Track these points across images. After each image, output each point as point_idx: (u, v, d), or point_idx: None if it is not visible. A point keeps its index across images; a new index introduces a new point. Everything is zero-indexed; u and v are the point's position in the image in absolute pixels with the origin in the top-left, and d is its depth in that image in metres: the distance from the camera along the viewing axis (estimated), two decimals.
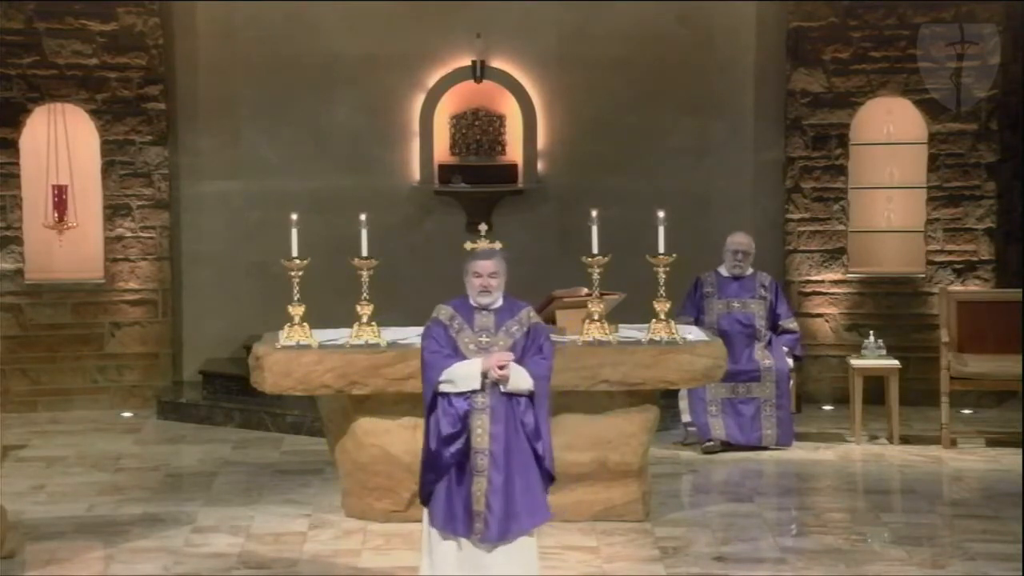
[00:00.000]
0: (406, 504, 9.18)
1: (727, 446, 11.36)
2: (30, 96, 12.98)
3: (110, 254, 13.22)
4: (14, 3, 12.85)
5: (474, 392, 7.34)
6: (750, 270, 11.68)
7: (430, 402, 7.40)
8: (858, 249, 13.37)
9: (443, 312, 7.52)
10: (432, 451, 7.40)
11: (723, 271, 11.69)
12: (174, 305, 13.48)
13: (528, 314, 7.56)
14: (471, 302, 7.51)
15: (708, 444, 11.35)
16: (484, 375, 7.33)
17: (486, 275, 7.46)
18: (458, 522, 7.37)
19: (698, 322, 11.31)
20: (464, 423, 7.34)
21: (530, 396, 7.39)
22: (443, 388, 7.36)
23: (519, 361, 7.40)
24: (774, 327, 11.62)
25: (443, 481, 7.40)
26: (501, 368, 7.30)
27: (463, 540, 7.40)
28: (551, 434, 7.53)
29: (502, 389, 7.35)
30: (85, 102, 13.10)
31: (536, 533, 7.51)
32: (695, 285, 11.67)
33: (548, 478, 7.50)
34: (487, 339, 7.43)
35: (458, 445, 7.35)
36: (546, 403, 7.46)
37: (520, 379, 7.36)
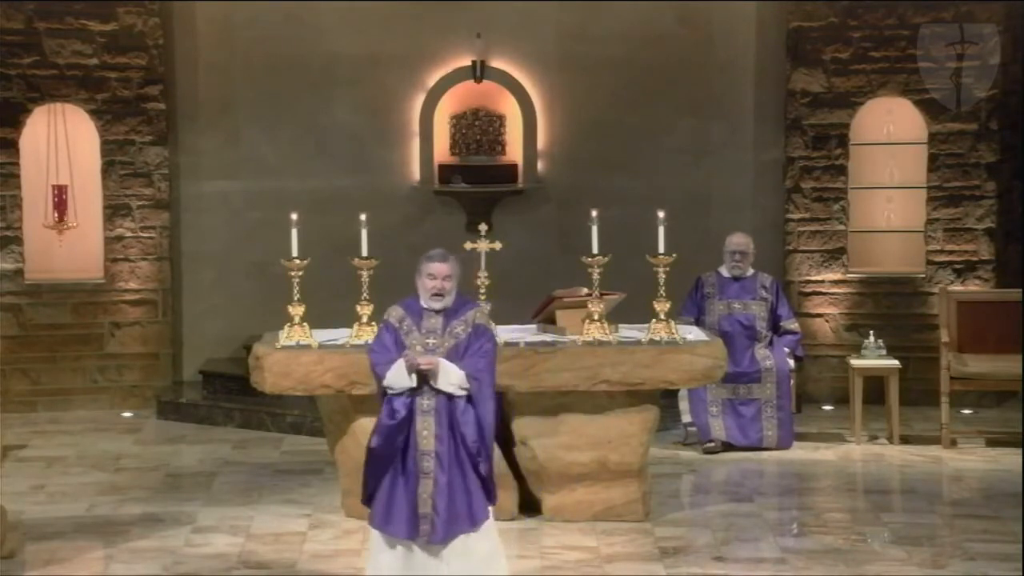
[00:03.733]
0: None
1: (727, 446, 11.36)
2: (30, 96, 12.98)
3: (110, 254, 13.22)
4: (14, 3, 12.85)
5: (418, 394, 7.43)
6: (751, 271, 11.67)
7: (381, 399, 7.55)
8: (858, 249, 13.37)
9: (393, 314, 7.64)
10: (371, 445, 7.51)
11: (724, 272, 11.68)
12: (174, 305, 13.48)
13: (474, 314, 7.59)
14: (422, 303, 7.57)
15: (709, 444, 11.34)
16: (418, 373, 7.42)
17: (440, 278, 7.51)
18: (401, 524, 7.45)
19: (699, 322, 11.31)
20: (402, 421, 7.42)
21: (469, 398, 7.44)
22: (387, 389, 7.50)
23: (459, 360, 7.46)
24: (775, 328, 11.62)
25: (384, 482, 7.48)
26: (427, 363, 7.39)
27: (407, 542, 7.46)
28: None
29: (432, 385, 7.42)
30: (85, 102, 13.10)
31: (489, 531, 7.55)
32: (696, 285, 11.66)
33: (488, 493, 7.53)
34: (434, 341, 7.51)
35: (400, 440, 7.43)
36: (488, 403, 7.47)
37: (448, 377, 7.41)
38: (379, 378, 7.53)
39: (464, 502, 7.45)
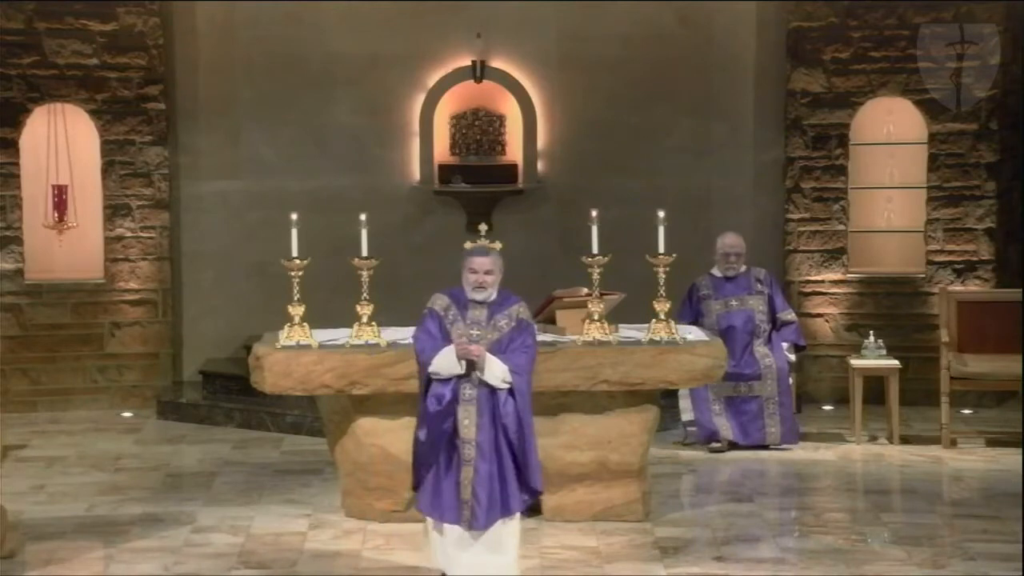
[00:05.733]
0: (406, 504, 9.17)
1: (733, 445, 11.35)
2: (30, 96, 12.98)
3: (110, 254, 13.22)
4: (14, 3, 12.85)
5: (461, 382, 7.65)
6: (743, 267, 11.68)
7: (425, 387, 7.74)
8: (858, 249, 13.37)
9: (439, 302, 7.85)
10: (419, 435, 7.70)
11: (716, 272, 11.68)
12: (174, 305, 13.48)
13: (518, 310, 7.81)
14: (467, 294, 7.77)
15: (715, 445, 11.33)
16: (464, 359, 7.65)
17: (482, 272, 7.76)
18: (445, 509, 7.71)
19: (697, 324, 11.28)
20: (448, 405, 7.65)
21: (511, 391, 7.67)
22: (432, 375, 7.71)
23: (503, 353, 7.68)
24: (772, 320, 11.60)
25: (432, 469, 7.72)
26: (477, 352, 7.62)
27: (452, 526, 7.73)
28: (537, 435, 7.79)
29: (478, 376, 7.64)
30: (85, 102, 13.10)
31: (518, 519, 7.87)
32: (690, 291, 11.63)
33: (524, 485, 7.77)
34: (478, 332, 7.72)
35: (447, 424, 7.66)
36: (527, 397, 7.73)
37: (493, 369, 7.64)
38: (423, 365, 7.71)
39: (502, 490, 7.69)
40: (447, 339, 7.71)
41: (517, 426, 7.69)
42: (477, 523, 7.69)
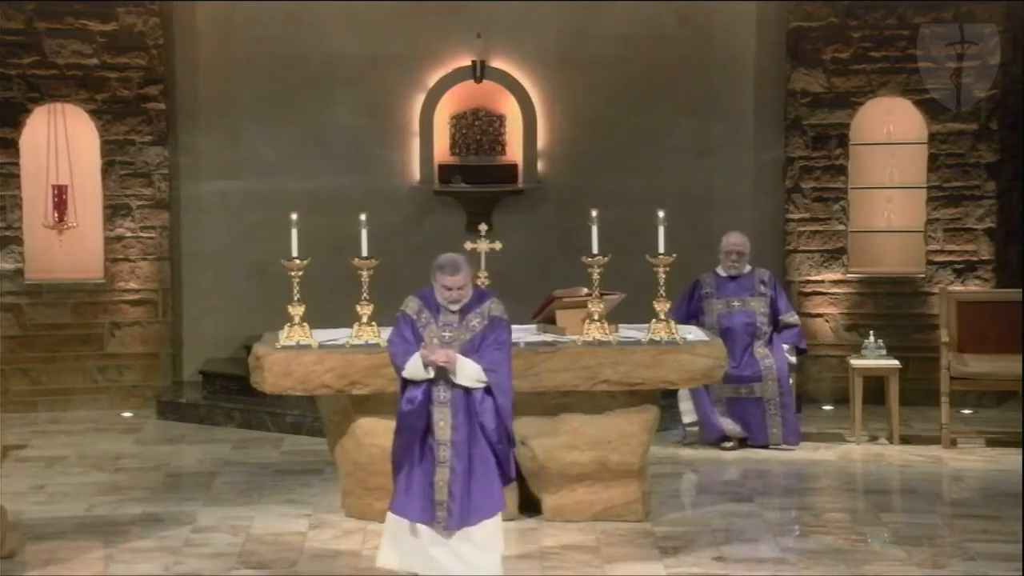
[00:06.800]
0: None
1: (741, 443, 11.36)
2: (30, 96, 12.98)
3: (110, 254, 13.22)
4: (14, 3, 12.85)
5: (435, 385, 7.71)
6: (748, 267, 11.67)
7: (402, 390, 7.84)
8: (858, 249, 13.37)
9: (411, 305, 7.90)
10: (395, 433, 7.79)
11: (720, 271, 11.68)
12: (174, 305, 13.48)
13: (490, 307, 7.85)
14: (439, 300, 7.83)
15: (727, 444, 11.34)
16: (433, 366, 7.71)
17: (456, 288, 7.79)
18: (416, 509, 7.75)
19: (698, 323, 11.28)
20: (419, 407, 7.71)
21: (488, 389, 7.71)
22: (405, 377, 7.79)
23: (476, 352, 7.71)
24: (775, 322, 11.60)
25: (403, 471, 7.78)
26: (444, 360, 7.67)
27: (420, 528, 7.76)
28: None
29: (453, 380, 7.69)
30: (85, 102, 13.10)
31: (498, 518, 7.86)
32: (693, 288, 11.62)
33: (504, 476, 7.85)
34: (450, 333, 7.77)
35: (419, 425, 7.72)
36: (506, 391, 7.75)
37: (466, 371, 7.68)
38: (399, 368, 7.79)
39: (482, 489, 7.73)
40: (420, 342, 7.76)
41: (495, 423, 7.71)
42: (452, 522, 7.71)
